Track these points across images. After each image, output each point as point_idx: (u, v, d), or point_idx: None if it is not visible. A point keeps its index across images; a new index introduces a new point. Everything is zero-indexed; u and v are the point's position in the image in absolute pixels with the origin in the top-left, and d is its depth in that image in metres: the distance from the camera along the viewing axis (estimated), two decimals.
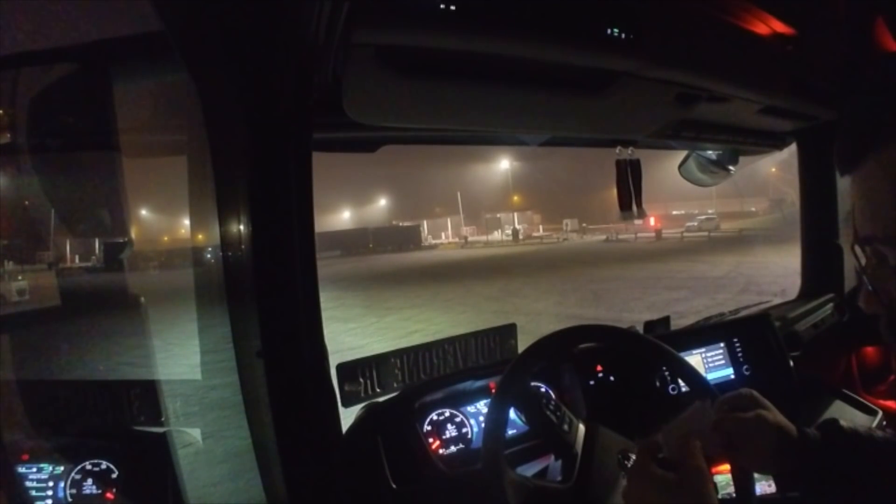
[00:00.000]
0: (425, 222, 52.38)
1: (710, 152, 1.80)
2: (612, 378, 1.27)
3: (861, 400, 1.53)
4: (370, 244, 40.03)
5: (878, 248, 0.54)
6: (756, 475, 0.83)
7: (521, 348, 1.14)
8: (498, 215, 51.45)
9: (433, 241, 46.58)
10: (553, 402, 0.93)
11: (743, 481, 0.82)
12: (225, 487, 1.06)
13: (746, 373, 1.46)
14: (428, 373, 1.22)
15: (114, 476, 1.03)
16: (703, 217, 34.97)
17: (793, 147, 1.91)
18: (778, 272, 10.63)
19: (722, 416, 0.76)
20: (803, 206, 1.97)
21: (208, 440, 1.11)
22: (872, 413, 1.48)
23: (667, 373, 1.31)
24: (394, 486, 1.02)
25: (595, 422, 0.94)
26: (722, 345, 1.47)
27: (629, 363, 1.28)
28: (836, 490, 0.70)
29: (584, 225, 43.81)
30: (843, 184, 1.85)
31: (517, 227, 44.27)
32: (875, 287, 0.55)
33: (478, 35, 0.78)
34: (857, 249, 0.56)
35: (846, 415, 1.49)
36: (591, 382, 1.25)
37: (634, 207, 1.51)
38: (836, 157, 0.56)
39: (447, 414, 1.18)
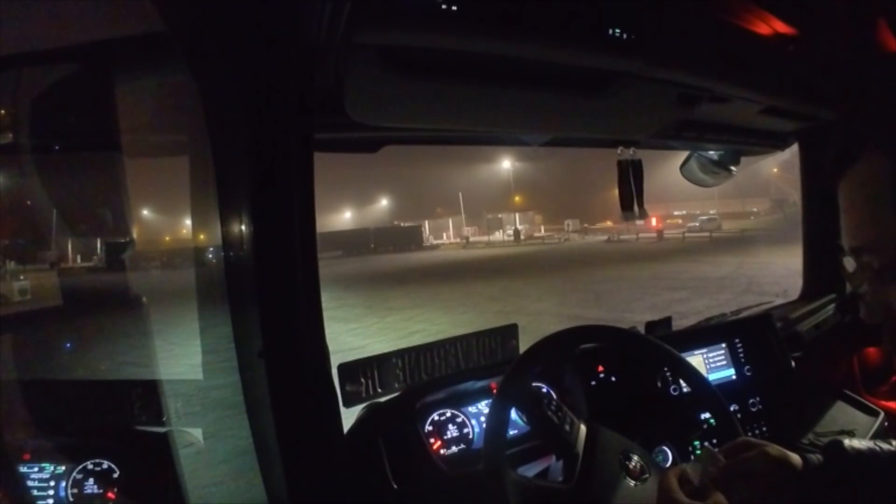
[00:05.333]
0: (427, 222, 52.40)
1: (711, 153, 1.79)
2: (613, 379, 1.27)
3: (863, 401, 1.53)
4: (371, 244, 40.04)
5: (865, 258, 0.54)
6: None
7: (522, 348, 1.14)
8: (499, 216, 51.43)
9: (435, 242, 46.59)
10: (554, 403, 0.93)
11: None
12: (226, 487, 1.06)
13: (748, 374, 1.45)
14: (429, 373, 1.22)
15: (115, 476, 1.03)
16: (705, 217, 34.88)
17: (795, 147, 1.91)
18: (780, 273, 10.60)
19: (728, 461, 0.76)
20: (805, 206, 1.96)
21: (209, 440, 1.11)
22: (874, 414, 1.47)
23: (668, 373, 1.31)
24: (395, 486, 1.01)
25: (596, 422, 0.94)
26: (723, 345, 1.47)
27: (631, 364, 1.28)
28: None
29: (585, 225, 43.81)
30: None
31: (519, 227, 44.23)
32: (871, 298, 0.55)
33: (479, 35, 0.78)
34: (850, 261, 0.56)
35: (848, 416, 1.49)
36: (593, 383, 1.25)
37: (636, 208, 1.51)
38: (824, 169, 0.57)
39: (448, 414, 1.18)
